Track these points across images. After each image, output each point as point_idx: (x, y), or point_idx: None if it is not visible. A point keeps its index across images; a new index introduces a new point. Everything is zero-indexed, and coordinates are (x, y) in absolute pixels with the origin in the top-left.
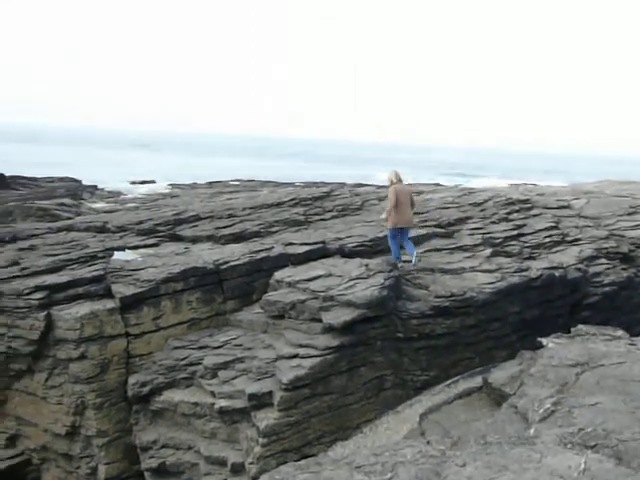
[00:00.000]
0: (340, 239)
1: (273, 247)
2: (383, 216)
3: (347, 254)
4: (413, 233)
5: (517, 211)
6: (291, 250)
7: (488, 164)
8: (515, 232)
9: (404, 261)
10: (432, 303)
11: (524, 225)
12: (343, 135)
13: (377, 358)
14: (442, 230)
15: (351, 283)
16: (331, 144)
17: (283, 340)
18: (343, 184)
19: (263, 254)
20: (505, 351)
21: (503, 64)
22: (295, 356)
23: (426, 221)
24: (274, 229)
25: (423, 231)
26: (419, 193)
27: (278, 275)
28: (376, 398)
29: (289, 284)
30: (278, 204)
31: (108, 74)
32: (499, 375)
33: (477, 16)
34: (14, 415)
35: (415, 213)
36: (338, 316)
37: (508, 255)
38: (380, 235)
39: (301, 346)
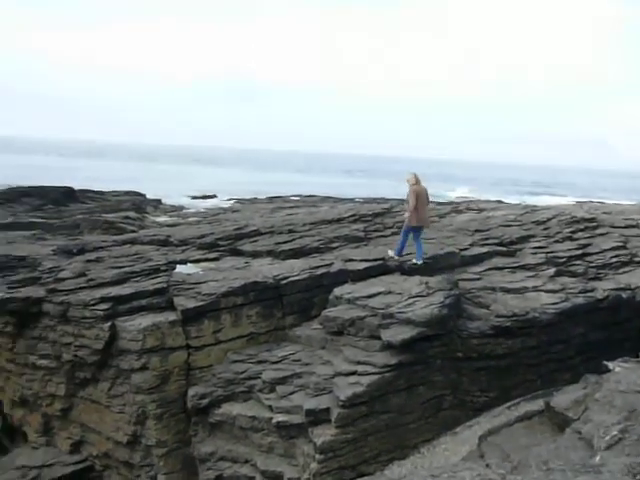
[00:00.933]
0: (400, 256)
1: (333, 263)
2: (406, 215)
3: (407, 271)
4: (474, 251)
5: (582, 230)
6: (351, 266)
7: (557, 181)
8: (580, 251)
9: (413, 263)
10: (493, 323)
11: (589, 244)
12: (403, 151)
13: (436, 377)
14: (504, 248)
15: (411, 301)
16: (391, 160)
17: (341, 357)
18: (403, 201)
19: (323, 270)
20: (568, 374)
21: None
22: (353, 373)
23: (487, 239)
24: (334, 245)
25: (484, 249)
26: (480, 211)
27: (337, 291)
28: (434, 418)
29: (348, 300)
30: (338, 220)
31: (170, 92)
32: (562, 399)
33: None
34: (79, 422)
35: (476, 231)
36: (397, 334)
37: (572, 275)
38: (440, 253)
39: (359, 363)
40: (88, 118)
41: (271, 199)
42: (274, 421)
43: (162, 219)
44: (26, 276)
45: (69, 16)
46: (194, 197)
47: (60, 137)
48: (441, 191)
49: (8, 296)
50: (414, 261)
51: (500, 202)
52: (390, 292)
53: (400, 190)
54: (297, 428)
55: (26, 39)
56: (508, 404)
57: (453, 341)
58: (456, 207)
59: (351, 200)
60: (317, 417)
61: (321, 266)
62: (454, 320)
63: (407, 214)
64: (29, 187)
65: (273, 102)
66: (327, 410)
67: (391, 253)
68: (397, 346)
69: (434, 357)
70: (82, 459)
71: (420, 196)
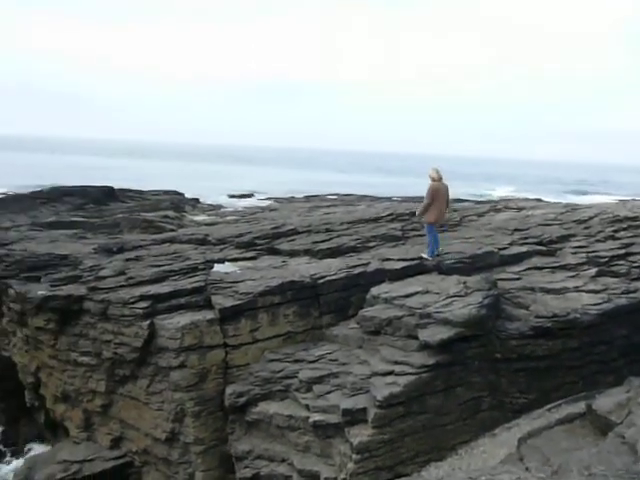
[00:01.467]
0: (437, 255)
1: (370, 262)
2: (418, 212)
3: (444, 271)
4: (513, 251)
5: (625, 229)
6: (388, 266)
7: (602, 179)
8: (623, 251)
9: (437, 255)
10: (533, 323)
11: (632, 244)
12: (444, 149)
13: (474, 378)
14: (544, 248)
15: (448, 300)
16: (428, 158)
17: (378, 356)
18: None
19: (360, 269)
20: (611, 376)
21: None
22: (390, 373)
23: (527, 238)
24: (371, 244)
25: (524, 248)
26: (520, 209)
27: (374, 291)
28: (472, 419)
29: (385, 300)
30: (375, 219)
31: (204, 92)
32: (604, 402)
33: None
34: (118, 418)
35: (515, 230)
36: (435, 334)
37: (615, 275)
38: (479, 252)
39: (396, 363)
40: (117, 117)
41: (308, 198)
42: (311, 420)
43: (200, 218)
44: (68, 274)
45: (88, 15)
46: (232, 196)
47: (94, 137)
48: (482, 190)
49: (51, 294)
50: (423, 255)
51: (540, 200)
52: (427, 292)
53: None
54: (334, 428)
55: (39, 38)
56: (548, 406)
57: (491, 342)
58: (494, 206)
59: (388, 199)
60: (354, 417)
61: (358, 265)
62: (493, 321)
63: (418, 211)
64: (71, 187)
65: (305, 101)
66: (364, 410)
67: (425, 255)
68: (435, 346)
69: (472, 358)
70: (122, 455)
71: (438, 193)
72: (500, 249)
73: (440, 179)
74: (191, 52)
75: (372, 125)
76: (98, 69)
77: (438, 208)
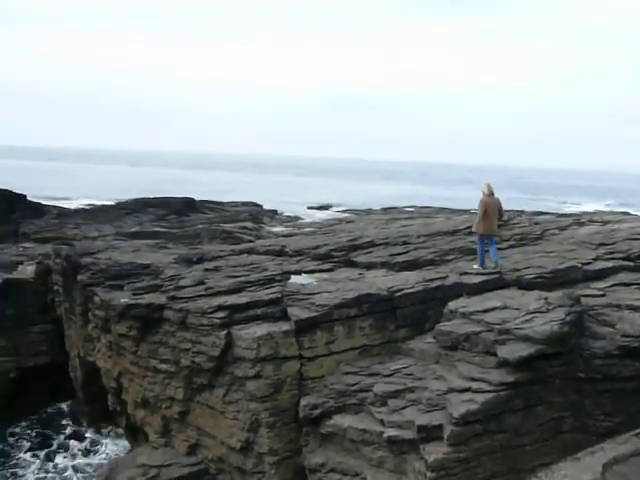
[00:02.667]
0: (517, 270)
1: (448, 276)
2: (473, 227)
3: (525, 286)
4: (598, 266)
5: None
6: (466, 280)
7: None
8: None
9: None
10: (619, 342)
11: None
12: (514, 161)
13: (555, 398)
14: (631, 263)
15: (529, 317)
16: (503, 170)
17: (455, 372)
18: (521, 212)
19: (437, 283)
20: None
21: None
22: (467, 390)
23: (612, 253)
24: (449, 257)
25: (609, 264)
26: (605, 223)
27: (452, 305)
28: (553, 441)
29: (463, 315)
30: (453, 232)
31: (279, 105)
32: None
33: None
34: (195, 425)
35: (600, 244)
36: (514, 351)
37: None
38: (561, 267)
39: (474, 380)
40: (198, 131)
41: (385, 210)
42: (385, 435)
43: (278, 229)
44: (149, 283)
45: (181, 32)
46: (309, 207)
47: (177, 150)
48: (570, 206)
49: (133, 302)
50: (474, 266)
51: (627, 214)
52: (507, 307)
53: (513, 201)
54: (408, 444)
55: (141, 57)
56: (636, 431)
57: (574, 360)
58: (578, 219)
59: (467, 211)
60: (429, 433)
61: (436, 279)
62: (576, 338)
63: (474, 225)
64: (153, 198)
65: (381, 113)
66: (439, 427)
67: (476, 266)
68: (514, 364)
69: (553, 377)
70: (198, 461)
71: (489, 207)
72: (584, 264)
73: (491, 194)
74: (274, 66)
75: (453, 135)
76: (181, 85)
77: (489, 221)
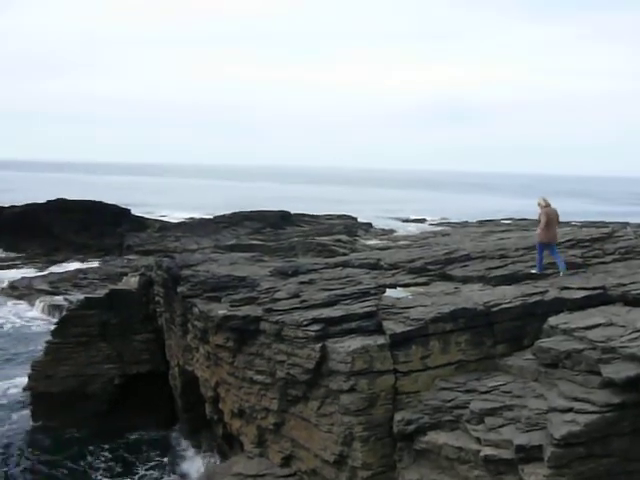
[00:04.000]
0: (623, 285)
1: (547, 291)
2: (537, 237)
3: (631, 302)
4: None
5: None
6: (567, 295)
7: None
8: None
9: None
10: None
11: None
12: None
13: None
14: None
15: (636, 335)
16: (606, 181)
17: (556, 391)
18: (626, 224)
19: (536, 297)
20: None
21: None
22: (569, 410)
23: None
24: (548, 271)
25: None
26: None
27: (552, 321)
28: None
29: (564, 331)
30: None
31: (383, 116)
32: None
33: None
34: (290, 437)
35: None
36: (619, 370)
37: None
38: None
39: (576, 400)
40: (292, 145)
41: (482, 222)
42: (482, 454)
43: (372, 242)
44: (246, 295)
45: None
46: (404, 220)
47: (271, 164)
48: None
49: (230, 314)
50: (532, 271)
51: None
52: (611, 324)
53: (620, 215)
54: (506, 464)
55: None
56: None
57: None
58: None
59: (567, 224)
60: (528, 454)
61: (535, 293)
62: None
63: (538, 232)
64: (250, 211)
65: (485, 123)
66: (539, 447)
67: (534, 270)
68: (620, 384)
69: None
70: (291, 473)
71: (551, 216)
72: None
73: (549, 205)
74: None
75: (562, 145)
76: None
77: (551, 230)
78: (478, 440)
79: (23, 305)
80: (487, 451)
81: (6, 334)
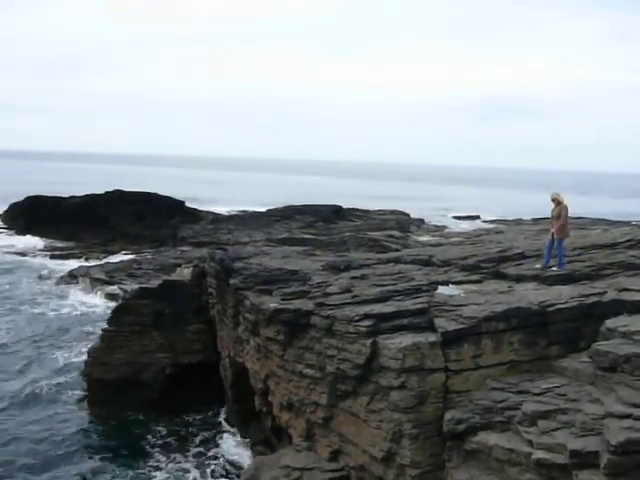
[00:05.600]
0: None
1: (606, 292)
2: (562, 233)
3: None
4: None
5: None
6: (626, 296)
7: None
8: None
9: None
10: None
11: None
12: None
13: None
14: None
15: None
16: None
17: (614, 396)
18: None
19: (594, 299)
20: None
21: None
22: (628, 416)
23: None
24: (607, 272)
25: None
26: None
27: (610, 323)
28: None
29: (623, 334)
30: (612, 245)
31: (436, 114)
32: None
33: None
34: (338, 432)
35: None
36: None
37: None
38: None
39: (635, 406)
40: (348, 140)
41: (536, 220)
42: (534, 457)
43: (425, 238)
44: (297, 289)
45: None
46: (457, 217)
47: (327, 159)
48: None
49: (281, 307)
50: (554, 268)
51: None
52: None
53: None
54: (559, 468)
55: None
56: None
57: None
58: None
59: (627, 223)
60: (583, 460)
61: (592, 294)
62: None
63: (559, 227)
64: (302, 205)
65: (539, 118)
66: (595, 454)
67: (555, 268)
68: None
69: None
70: (339, 468)
71: (567, 212)
72: None
73: (563, 201)
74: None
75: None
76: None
77: (567, 226)
78: (530, 443)
79: (83, 293)
80: (539, 454)
81: (71, 319)
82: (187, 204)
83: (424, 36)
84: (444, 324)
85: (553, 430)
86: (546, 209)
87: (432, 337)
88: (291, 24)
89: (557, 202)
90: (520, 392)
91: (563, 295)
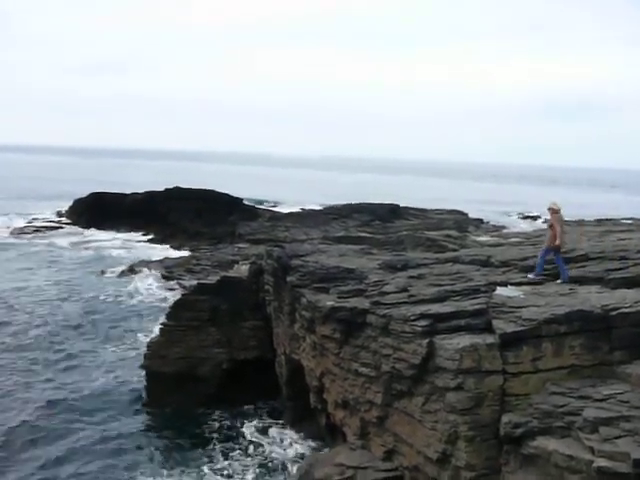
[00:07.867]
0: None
1: None
2: (558, 242)
3: None
4: None
5: None
6: None
7: None
8: None
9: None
10: None
11: None
12: None
13: None
14: None
15: None
16: None
17: None
18: None
19: None
20: None
21: None
22: None
23: None
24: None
25: None
26: None
27: None
28: None
29: None
30: None
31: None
32: None
33: None
34: (392, 431)
35: None
36: None
37: None
38: None
39: None
40: (406, 138)
41: (600, 221)
42: (595, 465)
43: (483, 239)
44: (353, 287)
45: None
46: (518, 217)
47: (384, 156)
48: None
49: (337, 305)
50: (559, 281)
51: None
52: None
53: None
54: (621, 477)
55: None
56: None
57: None
58: None
59: None
60: None
61: None
62: None
63: (558, 241)
64: (359, 204)
65: (602, 118)
66: None
67: (531, 276)
68: None
69: None
70: (393, 467)
71: (562, 222)
72: None
73: (560, 210)
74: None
75: None
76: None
77: (562, 235)
78: (591, 450)
79: (142, 286)
80: (601, 462)
81: (130, 311)
82: (245, 201)
83: (498, 33)
84: (502, 326)
85: (615, 438)
86: (609, 211)
87: (490, 339)
88: (355, 26)
89: (553, 211)
90: (581, 397)
91: (628, 299)
